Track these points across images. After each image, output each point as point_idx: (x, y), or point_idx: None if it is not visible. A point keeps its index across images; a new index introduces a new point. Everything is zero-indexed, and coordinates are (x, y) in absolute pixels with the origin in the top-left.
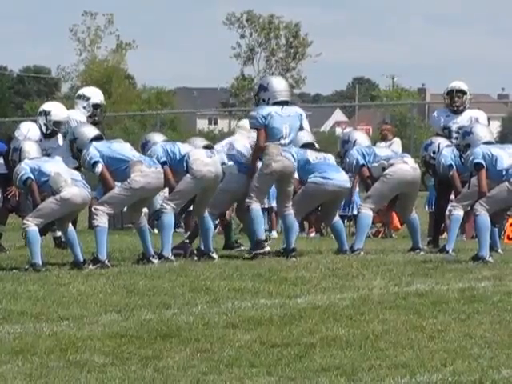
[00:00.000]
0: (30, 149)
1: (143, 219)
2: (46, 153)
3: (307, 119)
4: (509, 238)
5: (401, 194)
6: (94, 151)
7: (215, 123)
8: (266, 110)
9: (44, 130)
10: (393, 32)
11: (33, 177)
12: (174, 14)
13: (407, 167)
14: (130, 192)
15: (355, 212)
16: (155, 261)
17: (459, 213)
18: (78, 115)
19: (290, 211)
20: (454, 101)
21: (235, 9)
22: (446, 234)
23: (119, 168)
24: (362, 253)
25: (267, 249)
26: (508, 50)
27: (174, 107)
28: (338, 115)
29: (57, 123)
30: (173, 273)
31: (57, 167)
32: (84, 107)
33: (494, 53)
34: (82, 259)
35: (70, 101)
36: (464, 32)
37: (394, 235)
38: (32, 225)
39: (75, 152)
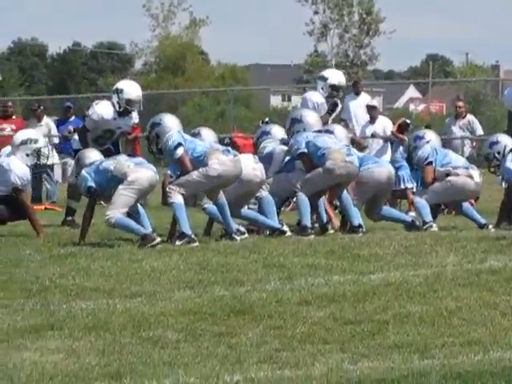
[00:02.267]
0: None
1: (222, 196)
2: (121, 131)
3: (381, 96)
4: None
5: None
6: (178, 135)
7: (289, 100)
8: None
9: (117, 108)
10: (466, 8)
11: (94, 185)
12: None
13: (471, 182)
14: (207, 179)
15: None
16: (238, 238)
17: None
18: None
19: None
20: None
21: None
22: None
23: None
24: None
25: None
26: None
27: (247, 84)
28: (412, 92)
29: (129, 101)
30: (246, 249)
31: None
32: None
33: None
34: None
35: (143, 76)
36: None
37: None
38: (112, 215)
39: (151, 139)
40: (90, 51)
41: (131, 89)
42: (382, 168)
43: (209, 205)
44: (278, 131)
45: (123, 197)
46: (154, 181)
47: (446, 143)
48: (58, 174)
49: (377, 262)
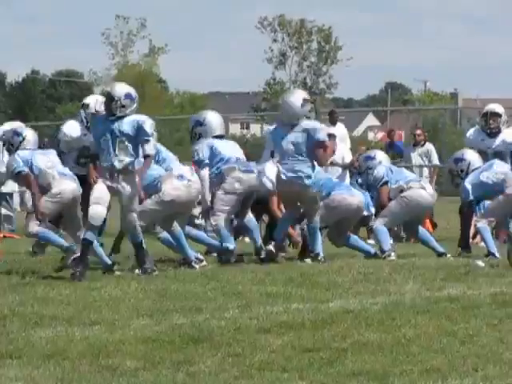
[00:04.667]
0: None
1: (176, 225)
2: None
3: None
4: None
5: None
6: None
7: (247, 127)
8: None
9: (85, 123)
10: (425, 36)
11: (26, 169)
12: (206, 18)
13: (425, 193)
14: (162, 206)
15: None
16: (196, 266)
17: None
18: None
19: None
20: (489, 123)
21: (268, 13)
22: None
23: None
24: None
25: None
26: None
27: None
28: (371, 120)
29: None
30: (204, 277)
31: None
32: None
33: None
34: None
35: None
36: (496, 35)
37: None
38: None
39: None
40: (49, 79)
41: (97, 103)
42: (354, 196)
43: (164, 234)
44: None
45: (46, 209)
46: (77, 194)
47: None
48: (16, 201)
49: (335, 290)
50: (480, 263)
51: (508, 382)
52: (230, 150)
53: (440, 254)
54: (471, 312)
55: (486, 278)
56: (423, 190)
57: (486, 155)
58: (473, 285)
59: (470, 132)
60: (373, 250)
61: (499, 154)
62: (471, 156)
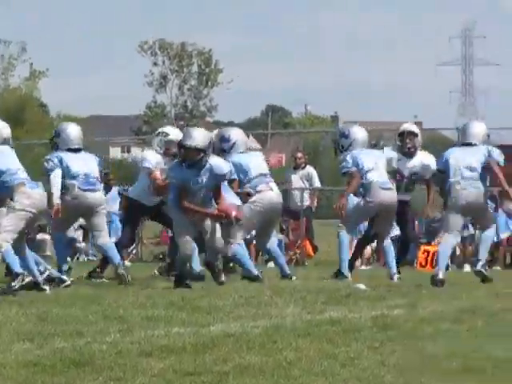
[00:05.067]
0: None
1: (25, 246)
2: None
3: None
4: (421, 265)
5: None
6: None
7: (128, 151)
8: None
9: None
10: (306, 59)
11: None
12: (87, 42)
13: (272, 194)
14: (18, 216)
15: None
16: (47, 287)
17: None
18: None
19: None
20: (406, 143)
21: (149, 37)
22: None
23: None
24: None
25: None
26: (418, 77)
27: (87, 135)
28: (251, 142)
29: None
30: (86, 301)
31: None
32: None
33: (406, 79)
34: None
35: None
36: (378, 58)
37: (306, 263)
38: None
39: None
40: None
41: None
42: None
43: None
44: None
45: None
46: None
47: (285, 193)
48: None
49: (216, 314)
50: (361, 286)
51: None
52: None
53: (285, 276)
54: (352, 335)
55: (367, 301)
56: (271, 191)
57: (401, 175)
58: (354, 308)
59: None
60: (256, 272)
61: (415, 175)
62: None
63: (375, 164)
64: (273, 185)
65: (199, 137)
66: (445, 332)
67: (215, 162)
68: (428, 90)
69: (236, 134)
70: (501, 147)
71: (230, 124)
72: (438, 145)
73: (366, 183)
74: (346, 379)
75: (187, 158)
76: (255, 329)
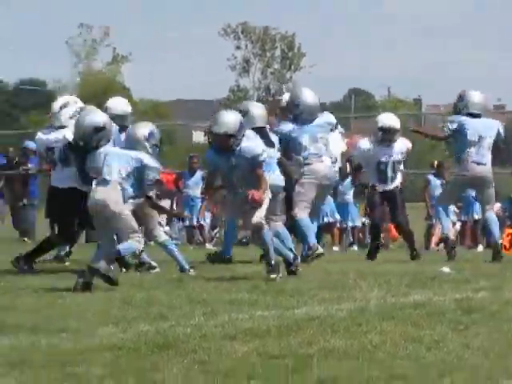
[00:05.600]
0: None
1: None
2: None
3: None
4: (506, 249)
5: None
6: None
7: None
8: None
9: None
10: (388, 43)
11: None
12: (169, 26)
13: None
14: None
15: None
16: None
17: None
18: None
19: None
20: (387, 136)
21: (231, 20)
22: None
23: None
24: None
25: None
26: (502, 62)
27: (170, 119)
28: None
29: None
30: (170, 285)
31: None
32: None
33: (489, 64)
34: None
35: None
36: (458, 44)
37: (391, 245)
38: None
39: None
40: (13, 88)
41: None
42: None
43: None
44: None
45: None
46: None
47: None
48: None
49: (300, 297)
50: (446, 269)
51: None
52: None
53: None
54: (436, 318)
55: (452, 284)
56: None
57: (385, 166)
58: (438, 291)
59: (366, 144)
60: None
61: (398, 163)
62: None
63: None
64: (325, 158)
65: (228, 122)
66: None
67: (246, 145)
68: None
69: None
70: None
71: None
72: None
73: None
74: (431, 362)
75: (217, 144)
76: (339, 312)
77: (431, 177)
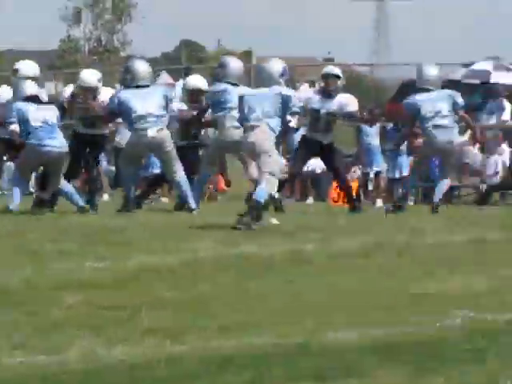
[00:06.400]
0: None
1: None
2: None
3: None
4: (334, 201)
5: None
6: None
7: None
8: None
9: None
10: None
11: None
12: None
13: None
14: None
15: None
16: None
17: None
18: None
19: None
20: (329, 84)
21: None
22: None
23: None
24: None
25: None
26: (330, 13)
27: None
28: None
29: None
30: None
31: None
32: None
33: (315, 16)
34: None
35: None
36: None
37: (219, 197)
38: None
39: None
40: None
41: None
42: None
43: None
44: None
45: None
46: None
47: None
48: None
49: (132, 247)
50: (274, 221)
51: (303, 339)
52: None
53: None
54: (267, 269)
55: (281, 236)
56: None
57: (317, 114)
58: (268, 242)
59: (308, 90)
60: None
61: (331, 115)
62: None
63: None
64: None
65: None
66: (358, 267)
67: None
68: (341, 25)
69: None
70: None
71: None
72: (350, 79)
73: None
74: (261, 313)
75: None
76: (171, 263)
77: None
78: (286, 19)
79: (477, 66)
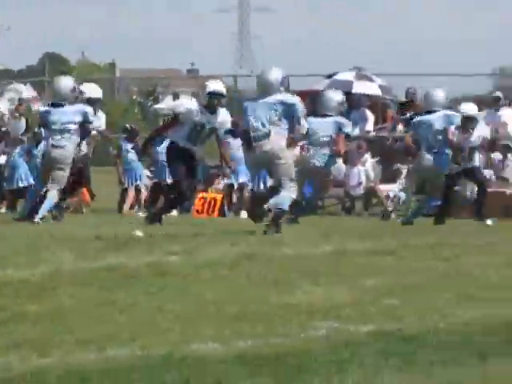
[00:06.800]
0: None
1: None
2: None
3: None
4: (198, 212)
5: None
6: None
7: None
8: None
9: None
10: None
11: None
12: None
13: None
14: None
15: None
16: None
17: None
18: None
19: None
20: (212, 102)
21: None
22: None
23: None
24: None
25: None
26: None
27: None
28: (30, 92)
29: None
30: None
31: None
32: None
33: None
34: None
35: None
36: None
37: (84, 210)
38: None
39: None
40: None
41: None
42: None
43: None
44: None
45: None
46: None
47: None
48: None
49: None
50: (138, 233)
51: (165, 351)
52: None
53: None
54: (130, 281)
55: (144, 248)
56: None
57: (203, 128)
58: (131, 254)
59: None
60: None
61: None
62: None
63: None
64: None
65: None
66: (223, 278)
67: None
68: (205, 38)
69: None
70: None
71: (8, 72)
72: None
73: None
74: (123, 325)
75: None
76: (33, 276)
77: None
78: (151, 31)
79: (339, 77)
